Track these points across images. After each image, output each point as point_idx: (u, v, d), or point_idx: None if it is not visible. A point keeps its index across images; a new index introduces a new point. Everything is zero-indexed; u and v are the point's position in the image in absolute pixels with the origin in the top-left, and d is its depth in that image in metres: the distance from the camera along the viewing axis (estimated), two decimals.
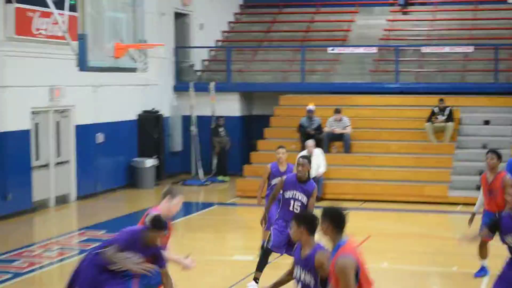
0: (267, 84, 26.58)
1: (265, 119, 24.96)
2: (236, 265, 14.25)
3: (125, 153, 23.44)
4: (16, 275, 13.38)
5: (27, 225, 18.21)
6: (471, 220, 12.82)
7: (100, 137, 22.08)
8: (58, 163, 20.53)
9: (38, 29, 19.09)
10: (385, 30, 28.10)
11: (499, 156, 12.53)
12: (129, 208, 20.68)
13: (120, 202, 21.54)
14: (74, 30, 16.72)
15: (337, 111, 22.74)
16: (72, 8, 16.06)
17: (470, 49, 25.43)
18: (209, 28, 28.35)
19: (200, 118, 24.78)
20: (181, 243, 15.06)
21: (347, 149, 22.64)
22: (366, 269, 6.81)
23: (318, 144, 21.78)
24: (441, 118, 22.52)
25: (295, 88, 25.94)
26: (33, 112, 19.50)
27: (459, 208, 20.01)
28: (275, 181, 13.82)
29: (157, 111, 24.56)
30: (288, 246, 11.21)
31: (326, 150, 22.29)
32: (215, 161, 25.01)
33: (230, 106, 26.08)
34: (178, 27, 27.02)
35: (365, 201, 20.87)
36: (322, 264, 7.03)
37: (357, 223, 18.11)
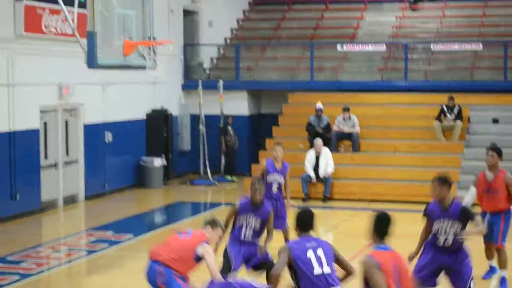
0: (276, 82, 26.56)
1: (274, 118, 24.95)
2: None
3: (133, 152, 23.44)
4: (24, 276, 13.39)
5: (35, 226, 18.21)
6: None
7: (108, 136, 22.09)
8: (66, 163, 20.56)
9: (47, 26, 19.14)
10: (394, 27, 28.05)
11: (499, 154, 12.22)
12: (137, 208, 20.73)
13: (128, 202, 21.53)
14: (83, 27, 16.65)
15: (346, 110, 22.70)
16: (82, 5, 15.99)
17: (479, 46, 25.35)
18: (218, 25, 28.34)
19: (208, 117, 24.75)
20: None
21: (356, 148, 22.60)
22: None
23: (326, 143, 21.78)
24: (450, 116, 22.47)
25: (303, 86, 25.90)
26: (41, 111, 19.51)
27: None
28: (270, 178, 13.82)
29: (165, 110, 24.55)
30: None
31: (335, 149, 22.28)
32: (223, 160, 25.00)
33: (238, 104, 26.06)
34: (187, 24, 27.01)
35: (373, 201, 20.82)
36: None
37: (365, 224, 18.18)
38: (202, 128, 24.48)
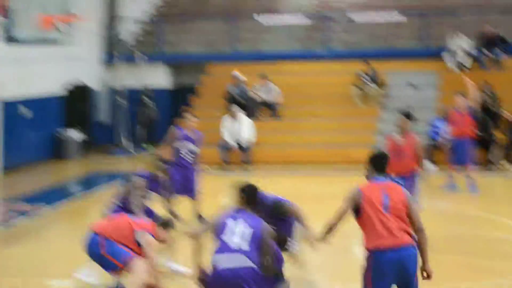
0: (196, 55, 26.52)
1: (194, 90, 24.92)
2: None
3: (51, 126, 23.19)
4: None
5: None
6: None
7: (27, 111, 21.81)
8: None
9: None
10: None
11: (408, 117, 12.24)
12: (53, 180, 20.49)
13: (44, 175, 21.26)
14: (0, 3, 16.43)
15: (263, 77, 22.82)
16: None
17: (396, 15, 25.65)
18: None
19: (129, 91, 24.63)
20: None
21: (275, 115, 22.76)
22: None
23: (246, 111, 21.86)
24: (367, 82, 22.77)
25: (224, 57, 25.91)
26: None
27: None
28: (179, 145, 13.81)
29: (85, 84, 24.35)
30: None
31: (254, 117, 22.38)
32: (142, 132, 24.89)
33: (159, 77, 25.99)
34: None
35: (293, 164, 21.01)
36: None
37: (285, 187, 18.34)
38: (121, 101, 24.34)
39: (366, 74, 22.79)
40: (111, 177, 19.80)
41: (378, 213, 7.51)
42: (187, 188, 13.87)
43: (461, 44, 23.35)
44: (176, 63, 26.67)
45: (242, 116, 21.37)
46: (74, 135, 23.13)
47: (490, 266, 11.31)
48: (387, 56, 24.47)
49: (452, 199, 16.62)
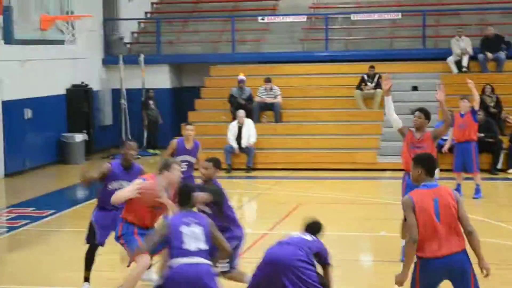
0: (197, 55, 26.48)
1: (196, 91, 24.87)
2: None
3: (54, 128, 23.11)
4: None
5: None
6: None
7: (28, 113, 21.73)
8: None
9: None
10: None
11: (426, 115, 11.81)
12: (58, 184, 20.46)
13: (49, 178, 21.25)
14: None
15: (267, 81, 22.76)
16: None
17: (398, 15, 25.63)
18: None
19: (130, 91, 24.54)
20: None
21: (278, 118, 22.70)
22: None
23: (248, 114, 21.82)
24: (370, 85, 22.71)
25: (225, 58, 25.88)
26: None
27: (387, 174, 20.27)
28: (179, 158, 13.57)
29: (86, 85, 24.28)
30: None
31: (257, 120, 22.33)
32: (145, 134, 24.84)
33: (160, 78, 25.92)
34: None
35: (296, 169, 20.94)
36: None
37: (288, 192, 18.30)
38: (123, 102, 24.27)
39: (369, 76, 22.71)
40: None
41: (429, 221, 7.43)
42: None
43: (463, 47, 23.29)
44: (177, 64, 26.61)
45: (247, 120, 21.31)
46: (78, 137, 22.99)
47: (497, 274, 11.23)
48: (390, 58, 24.42)
49: None
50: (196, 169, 12.66)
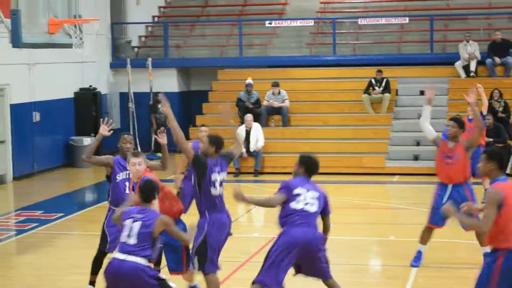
0: (205, 59, 26.52)
1: (204, 94, 24.90)
2: None
3: (62, 132, 23.16)
4: None
5: None
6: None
7: (36, 116, 21.79)
8: None
9: None
10: (322, 2, 28.14)
11: (460, 125, 11.58)
12: (67, 188, 20.51)
13: (57, 182, 21.28)
14: (7, 6, 16.33)
15: (275, 85, 22.79)
16: None
17: (405, 20, 25.65)
18: (146, 3, 28.08)
19: (138, 95, 24.60)
20: None
21: (285, 122, 22.71)
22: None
23: (256, 118, 21.84)
24: (378, 89, 22.70)
25: (233, 62, 25.91)
26: None
27: (396, 178, 20.26)
28: None
29: (94, 89, 24.32)
30: None
31: (265, 124, 22.35)
32: (153, 138, 24.84)
33: (167, 82, 25.93)
34: (114, 2, 26.70)
35: None
36: None
37: None
38: (131, 106, 24.32)
39: (376, 81, 22.71)
40: None
41: None
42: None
43: (471, 51, 23.28)
44: (184, 68, 26.65)
45: (255, 124, 21.34)
46: (86, 141, 23.03)
47: None
48: (397, 62, 24.42)
49: None
50: None
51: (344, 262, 11.75)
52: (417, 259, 11.80)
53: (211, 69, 25.67)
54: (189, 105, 26.31)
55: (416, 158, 21.15)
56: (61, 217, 16.21)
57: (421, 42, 25.67)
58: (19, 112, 21.07)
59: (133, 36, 27.45)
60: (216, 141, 9.82)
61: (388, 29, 26.19)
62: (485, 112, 17.44)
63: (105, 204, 10.96)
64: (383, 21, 25.59)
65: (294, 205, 9.12)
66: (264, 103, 22.68)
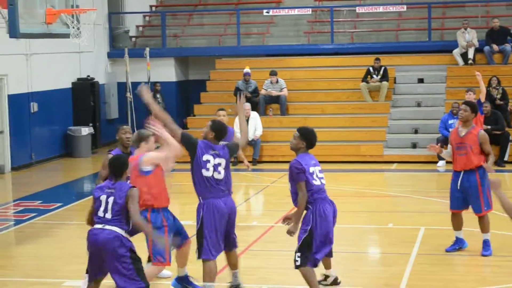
0: (203, 49, 26.51)
1: (202, 84, 24.89)
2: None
3: (60, 122, 23.17)
4: None
5: None
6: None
7: (34, 106, 21.78)
8: None
9: None
10: None
11: (473, 108, 11.43)
12: (65, 178, 20.52)
13: (56, 172, 21.32)
14: None
15: (273, 74, 22.77)
16: None
17: (403, 8, 25.60)
18: None
19: (135, 85, 24.37)
20: None
21: (284, 111, 22.70)
22: None
23: (254, 107, 21.83)
24: (375, 77, 22.69)
25: (230, 51, 25.90)
26: None
27: (394, 166, 20.28)
28: None
29: (92, 79, 24.32)
30: None
31: (263, 113, 22.35)
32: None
33: (166, 71, 25.95)
34: None
35: None
36: None
37: None
38: (129, 96, 24.28)
39: (374, 69, 22.70)
40: None
41: None
42: None
43: (469, 39, 23.26)
44: (182, 57, 26.63)
45: (253, 113, 21.33)
46: (84, 131, 23.05)
47: (505, 266, 11.25)
48: (395, 50, 24.42)
49: None
50: None
51: (342, 250, 11.73)
52: (458, 242, 11.78)
53: (209, 59, 25.66)
54: (187, 95, 26.31)
55: (414, 146, 21.16)
56: (59, 207, 16.21)
57: (419, 30, 25.66)
58: (17, 102, 21.06)
59: (131, 26, 27.41)
60: (216, 128, 9.57)
61: (386, 17, 26.17)
62: (483, 99, 17.43)
63: None
64: (380, 9, 25.55)
65: (315, 182, 9.47)
66: (262, 92, 22.68)
